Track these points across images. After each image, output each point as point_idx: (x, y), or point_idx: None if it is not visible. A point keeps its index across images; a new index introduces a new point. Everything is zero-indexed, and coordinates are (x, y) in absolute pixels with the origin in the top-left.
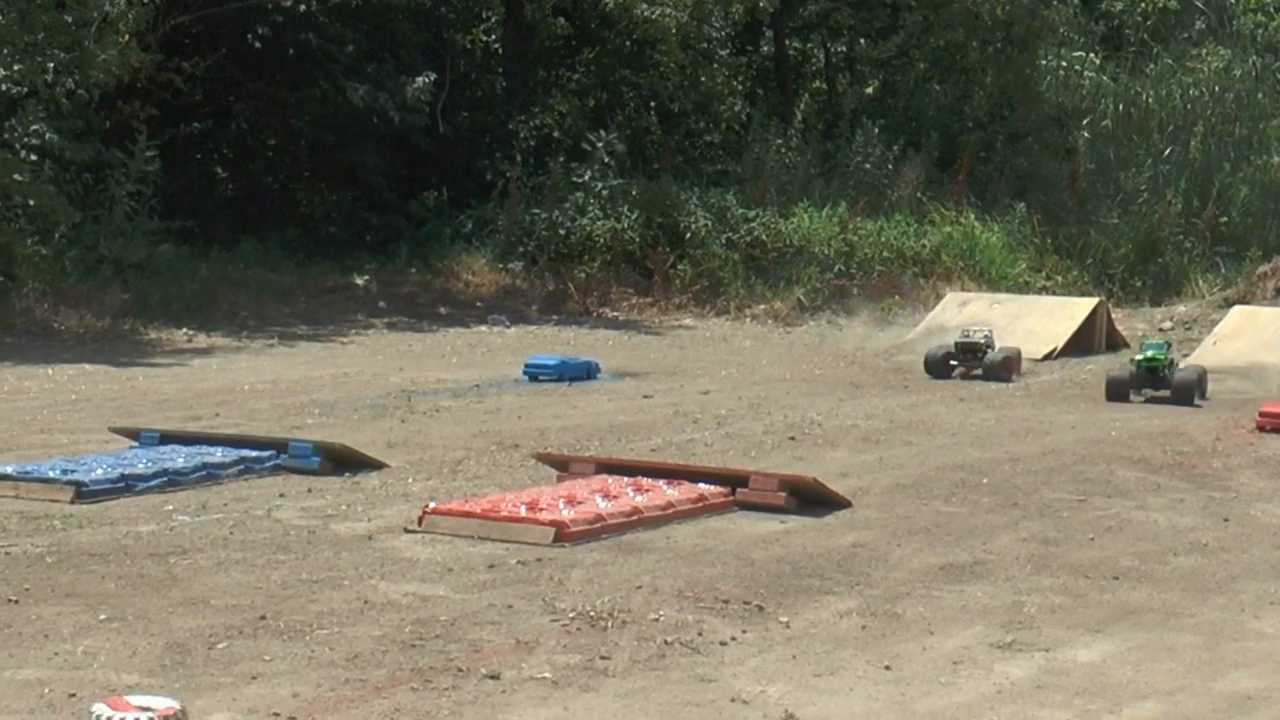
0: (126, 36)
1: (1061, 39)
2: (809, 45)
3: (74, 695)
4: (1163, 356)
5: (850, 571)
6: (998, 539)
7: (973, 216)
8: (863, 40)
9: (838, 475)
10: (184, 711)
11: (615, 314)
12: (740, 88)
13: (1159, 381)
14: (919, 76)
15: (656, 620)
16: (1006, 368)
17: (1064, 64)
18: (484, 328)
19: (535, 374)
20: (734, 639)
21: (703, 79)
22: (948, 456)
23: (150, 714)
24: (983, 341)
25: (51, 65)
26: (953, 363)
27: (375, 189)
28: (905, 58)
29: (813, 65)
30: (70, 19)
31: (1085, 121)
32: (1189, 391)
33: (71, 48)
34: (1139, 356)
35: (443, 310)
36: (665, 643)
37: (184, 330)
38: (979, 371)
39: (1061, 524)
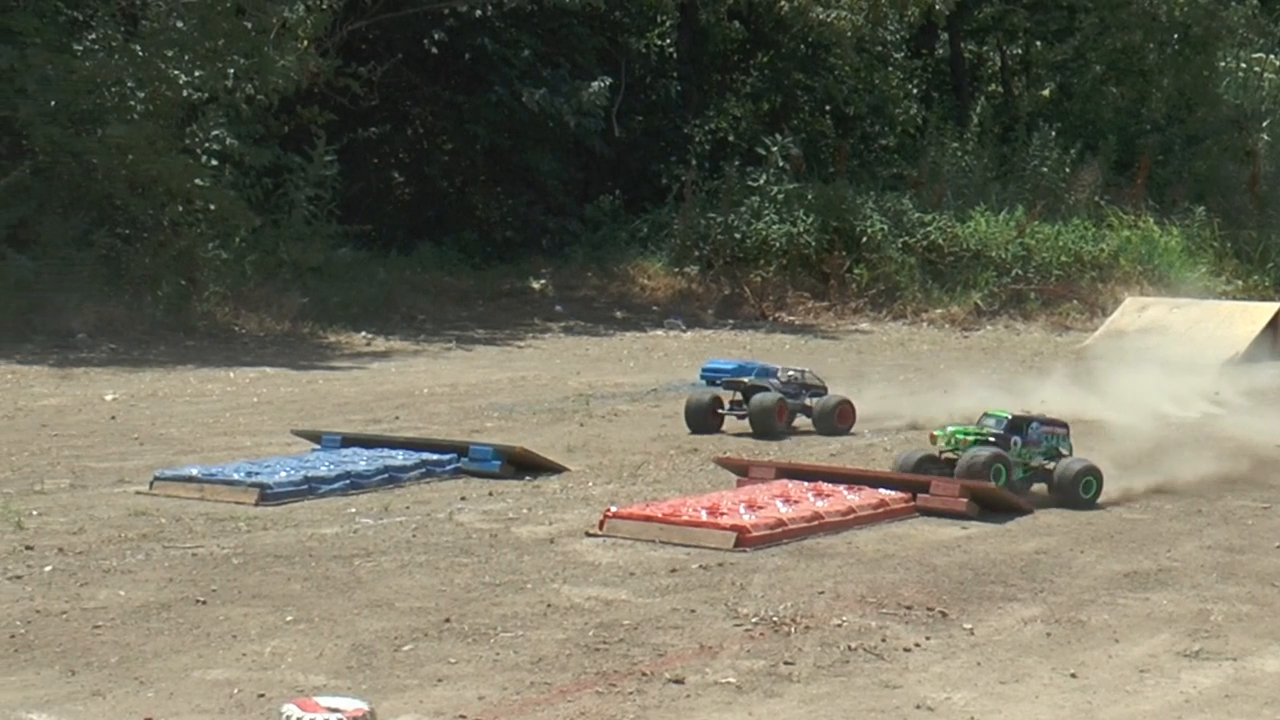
0: (305, 42)
1: (1240, 40)
2: (984, 48)
3: (263, 696)
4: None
5: (1033, 578)
6: (1182, 546)
7: (1151, 220)
8: (1038, 43)
9: None
10: (372, 713)
11: (791, 318)
12: (915, 91)
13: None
14: (1096, 79)
15: (839, 626)
16: (780, 415)
17: (1243, 65)
18: (660, 331)
19: (712, 378)
20: (918, 645)
21: (878, 82)
22: (1129, 462)
23: (339, 715)
24: (749, 382)
25: (232, 71)
26: (720, 410)
27: (551, 193)
28: (1082, 60)
29: (988, 68)
30: (250, 25)
31: (1265, 123)
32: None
33: (251, 54)
34: (943, 431)
35: (619, 314)
36: (849, 648)
37: (362, 333)
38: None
39: (1247, 531)
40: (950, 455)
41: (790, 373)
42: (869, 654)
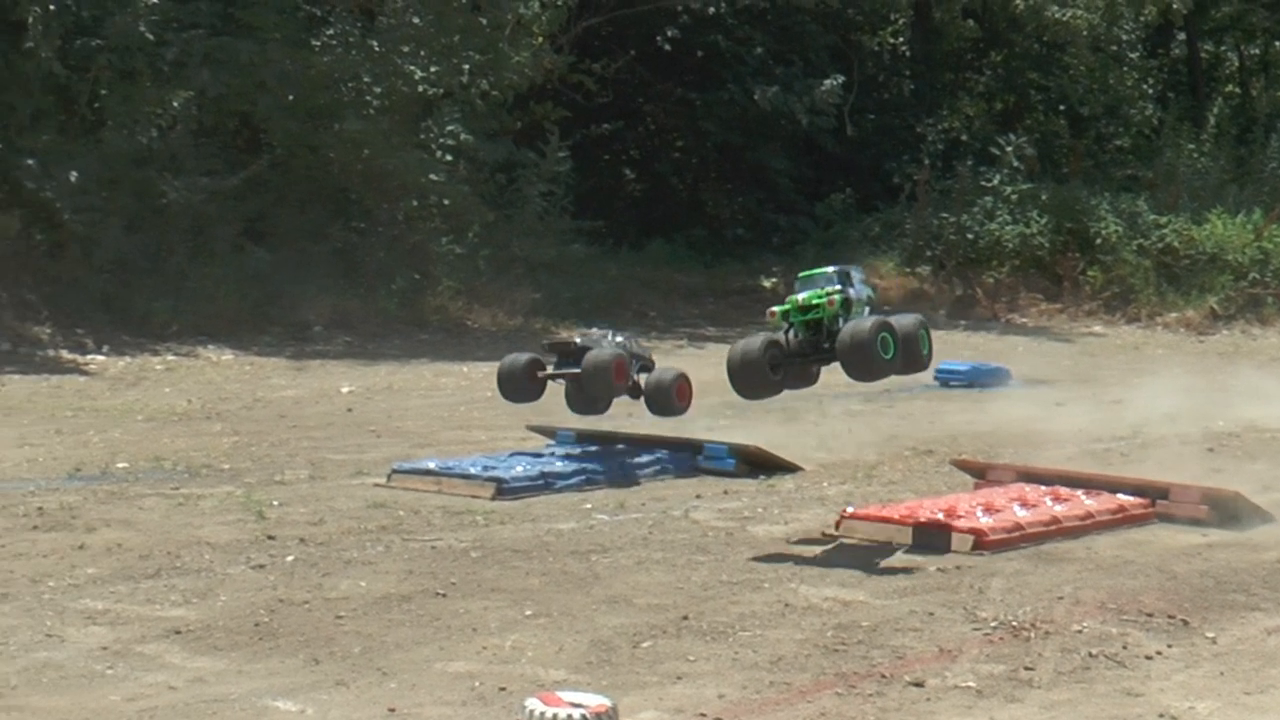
0: (540, 39)
1: None
2: (1222, 48)
3: (504, 689)
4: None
5: (1277, 588)
6: None
7: None
8: (1277, 42)
9: (1259, 489)
10: (614, 709)
11: (1024, 320)
12: (1151, 91)
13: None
14: None
15: (1080, 632)
16: (619, 374)
17: None
18: None
19: (946, 379)
20: (1159, 653)
21: (1112, 82)
22: None
23: (582, 710)
24: (580, 343)
25: (467, 67)
26: (540, 373)
27: (782, 191)
28: None
29: (1226, 68)
30: (485, 21)
31: None
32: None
33: (486, 50)
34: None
35: None
36: (1089, 655)
37: (594, 329)
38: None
39: None
40: (798, 337)
41: (618, 339)
42: (1110, 661)
